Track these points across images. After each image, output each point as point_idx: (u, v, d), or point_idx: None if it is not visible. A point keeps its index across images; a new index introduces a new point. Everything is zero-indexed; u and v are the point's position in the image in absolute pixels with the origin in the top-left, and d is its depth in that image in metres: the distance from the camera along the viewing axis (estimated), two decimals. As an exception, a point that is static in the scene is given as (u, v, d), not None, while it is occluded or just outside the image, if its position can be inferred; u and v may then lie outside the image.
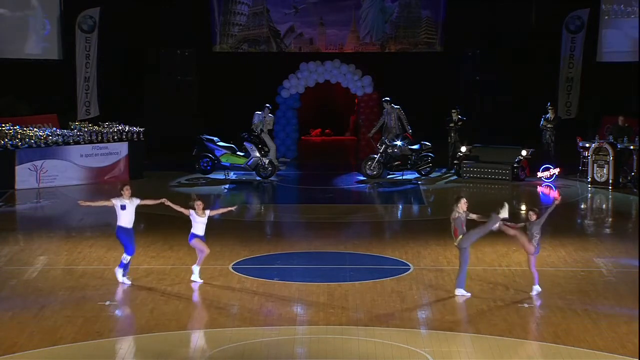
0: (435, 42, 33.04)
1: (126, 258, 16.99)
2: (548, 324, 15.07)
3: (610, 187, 25.82)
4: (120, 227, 16.91)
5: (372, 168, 27.50)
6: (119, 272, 17.05)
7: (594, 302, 16.16)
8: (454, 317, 15.45)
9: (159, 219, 21.34)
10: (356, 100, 33.96)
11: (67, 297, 16.31)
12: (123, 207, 16.84)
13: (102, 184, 26.28)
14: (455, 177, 27.76)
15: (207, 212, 16.97)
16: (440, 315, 15.59)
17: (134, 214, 16.93)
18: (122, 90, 31.99)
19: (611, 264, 18.45)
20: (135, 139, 27.23)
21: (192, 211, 16.92)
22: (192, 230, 16.94)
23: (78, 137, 26.59)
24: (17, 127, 26.54)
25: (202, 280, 17.08)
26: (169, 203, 17.13)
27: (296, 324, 15.06)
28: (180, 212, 17.09)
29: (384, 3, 32.91)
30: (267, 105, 29.00)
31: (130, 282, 16.99)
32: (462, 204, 16.13)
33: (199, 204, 16.91)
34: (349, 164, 30.84)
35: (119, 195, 16.91)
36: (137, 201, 16.97)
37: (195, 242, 17.00)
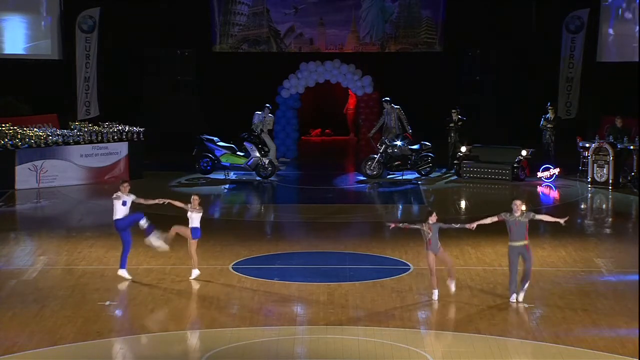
0: (435, 42, 33.01)
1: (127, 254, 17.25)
2: (548, 324, 15.07)
3: (610, 187, 25.81)
4: (120, 219, 17.14)
5: (372, 168, 27.49)
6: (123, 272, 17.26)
7: (594, 302, 16.17)
8: (454, 317, 15.45)
9: (159, 219, 21.32)
10: (351, 100, 33.96)
11: (67, 297, 16.32)
12: (124, 203, 17.15)
13: (102, 184, 26.27)
14: (455, 177, 27.75)
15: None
16: (440, 315, 15.60)
17: (129, 209, 17.27)
18: (122, 90, 31.98)
19: (611, 264, 18.45)
20: (135, 139, 27.23)
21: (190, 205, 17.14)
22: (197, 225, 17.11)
23: (78, 137, 26.58)
24: (17, 127, 26.55)
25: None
26: (169, 201, 17.38)
27: (296, 324, 15.07)
28: (181, 208, 17.28)
29: (384, 3, 32.89)
30: (267, 105, 28.99)
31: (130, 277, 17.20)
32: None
33: (194, 198, 17.15)
34: (349, 164, 30.85)
35: (118, 191, 17.22)
36: (132, 197, 17.28)
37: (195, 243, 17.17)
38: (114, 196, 17.16)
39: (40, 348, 13.91)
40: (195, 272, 17.26)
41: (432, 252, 16.02)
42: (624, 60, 30.75)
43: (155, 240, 17.44)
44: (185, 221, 17.23)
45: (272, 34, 33.00)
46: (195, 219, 17.08)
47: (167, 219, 18.78)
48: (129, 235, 17.24)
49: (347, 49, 32.89)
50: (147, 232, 17.36)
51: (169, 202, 17.44)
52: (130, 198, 17.20)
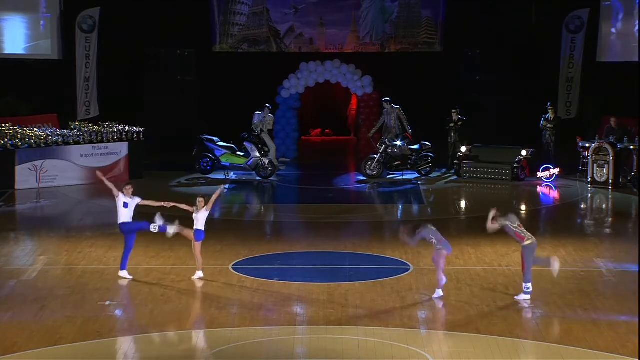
0: (435, 42, 33.03)
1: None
2: (548, 324, 15.08)
3: (610, 187, 25.81)
4: (124, 223, 17.09)
5: (372, 168, 27.49)
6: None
7: (594, 302, 16.16)
8: (454, 317, 15.45)
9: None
10: (353, 100, 33.99)
11: (67, 297, 16.31)
12: (125, 205, 17.07)
13: (102, 184, 26.20)
14: (455, 177, 27.76)
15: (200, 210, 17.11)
16: (440, 315, 15.61)
17: (133, 212, 17.15)
18: (122, 90, 31.97)
19: (611, 264, 18.45)
20: (135, 139, 27.23)
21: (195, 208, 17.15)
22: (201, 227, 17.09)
23: (78, 137, 26.58)
24: (17, 127, 26.55)
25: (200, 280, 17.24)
26: (174, 204, 17.34)
27: (296, 324, 15.07)
28: (187, 210, 17.26)
29: (384, 3, 32.90)
30: (267, 105, 29.00)
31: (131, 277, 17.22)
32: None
33: (200, 201, 17.11)
34: (349, 164, 30.85)
35: (121, 192, 17.18)
36: (137, 200, 17.18)
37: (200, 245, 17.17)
38: (115, 194, 17.11)
39: (40, 348, 13.91)
40: (199, 274, 17.24)
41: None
42: (624, 60, 30.76)
43: (170, 228, 17.33)
44: (190, 222, 17.22)
45: (272, 34, 33.01)
46: (200, 220, 17.05)
47: (166, 219, 18.80)
48: (132, 239, 17.21)
49: (347, 49, 32.90)
50: (161, 230, 17.31)
51: (174, 206, 17.41)
52: (134, 201, 17.12)
